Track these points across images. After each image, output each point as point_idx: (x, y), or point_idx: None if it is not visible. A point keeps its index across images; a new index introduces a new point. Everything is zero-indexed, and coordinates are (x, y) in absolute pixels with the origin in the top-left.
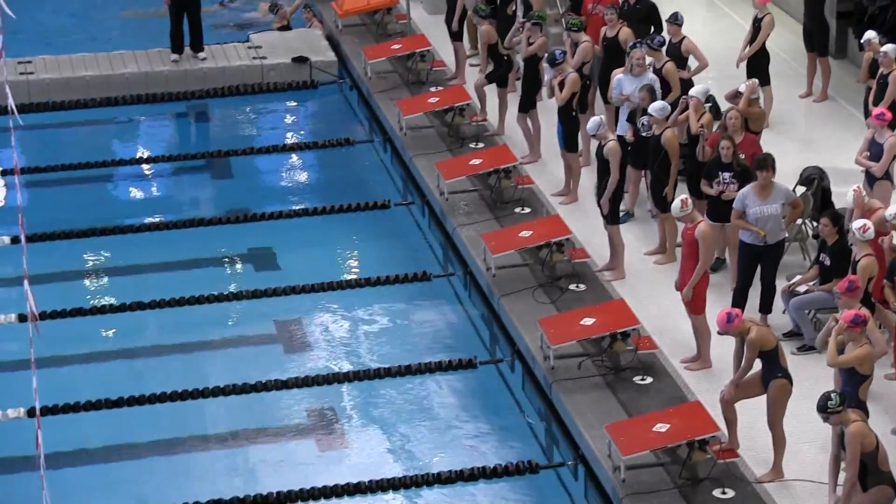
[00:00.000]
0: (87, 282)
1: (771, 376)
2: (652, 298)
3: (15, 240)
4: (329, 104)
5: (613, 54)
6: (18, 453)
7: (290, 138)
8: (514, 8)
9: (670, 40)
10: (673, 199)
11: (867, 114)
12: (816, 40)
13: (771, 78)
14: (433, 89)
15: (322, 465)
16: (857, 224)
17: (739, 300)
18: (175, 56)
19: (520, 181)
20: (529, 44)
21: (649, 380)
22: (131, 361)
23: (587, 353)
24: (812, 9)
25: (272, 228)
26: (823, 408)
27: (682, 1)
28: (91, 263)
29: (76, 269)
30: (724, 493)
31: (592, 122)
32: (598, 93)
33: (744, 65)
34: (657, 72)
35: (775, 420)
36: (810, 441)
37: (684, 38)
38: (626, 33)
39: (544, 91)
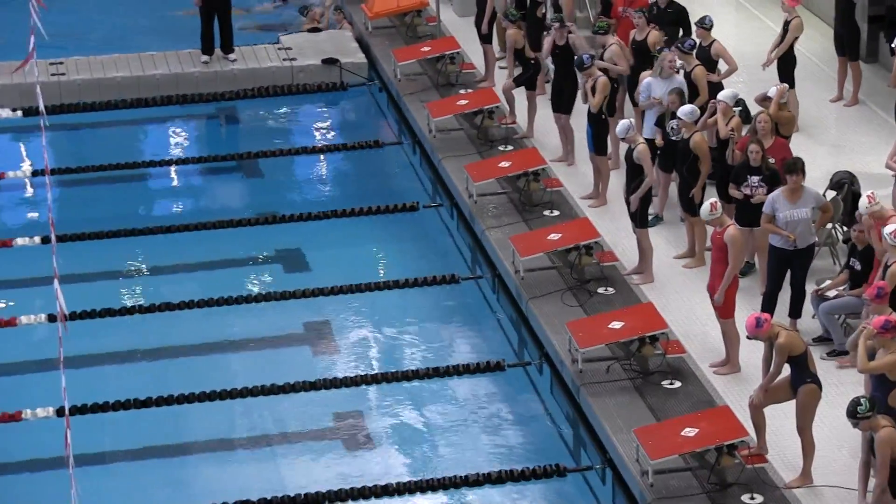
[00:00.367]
0: (116, 282)
1: (800, 381)
2: (681, 302)
3: (45, 240)
4: (358, 106)
5: (642, 58)
6: (47, 453)
7: (320, 140)
8: (543, 11)
9: (700, 44)
10: (701, 202)
11: None
12: (847, 44)
13: (801, 82)
14: (462, 91)
15: (349, 466)
16: (888, 229)
17: (769, 305)
18: (205, 57)
19: (549, 184)
20: (557, 45)
21: (678, 384)
22: (160, 362)
23: (615, 357)
24: (843, 12)
25: (301, 230)
26: (853, 413)
27: (711, 4)
28: (120, 264)
29: (105, 270)
30: (752, 498)
31: (622, 126)
32: (626, 96)
33: (773, 68)
34: (687, 75)
35: (804, 425)
36: (839, 447)
37: (714, 41)
38: (654, 37)
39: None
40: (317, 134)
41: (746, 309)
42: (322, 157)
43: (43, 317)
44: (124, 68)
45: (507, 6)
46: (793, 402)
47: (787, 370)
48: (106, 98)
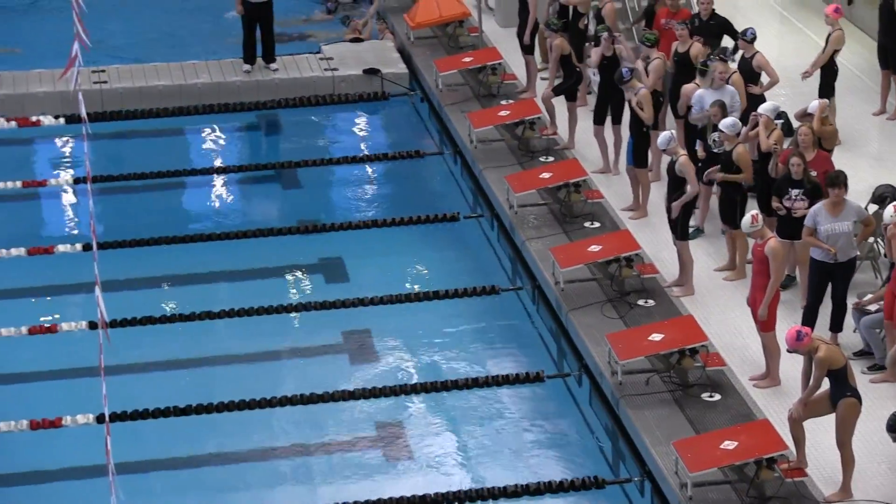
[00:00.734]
0: (156, 290)
1: (840, 395)
2: (721, 315)
3: (87, 247)
4: (400, 116)
5: (684, 70)
6: (87, 460)
7: (361, 150)
8: (585, 22)
9: (742, 55)
10: (742, 214)
11: None
12: (891, 57)
13: (843, 94)
14: (504, 102)
15: (388, 476)
16: None
17: (810, 318)
18: (247, 66)
19: (589, 195)
20: (607, 56)
21: (717, 397)
22: (200, 370)
23: (655, 369)
24: (887, 25)
25: (342, 239)
26: (893, 427)
27: (754, 17)
28: (161, 272)
29: (146, 277)
30: None
31: (663, 137)
32: (668, 108)
33: (814, 81)
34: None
35: (844, 440)
36: (879, 461)
37: (756, 53)
38: (696, 49)
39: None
40: (358, 144)
41: (787, 322)
42: (363, 166)
43: (84, 324)
44: (166, 77)
45: (549, 17)
46: (832, 416)
47: (826, 384)
48: (148, 106)
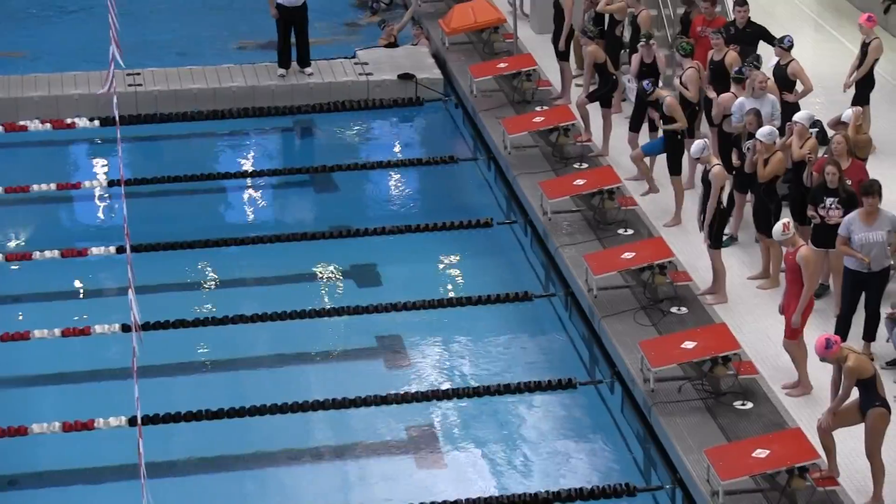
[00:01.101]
0: (189, 293)
1: (869, 405)
2: (754, 323)
3: (120, 250)
4: (434, 121)
5: (719, 78)
6: (119, 461)
7: (395, 155)
8: (621, 29)
9: (777, 62)
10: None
11: None
12: None
13: (879, 103)
14: (538, 108)
15: (420, 481)
16: None
17: (843, 327)
18: (282, 71)
19: (623, 202)
20: (645, 63)
21: (749, 405)
22: (232, 374)
23: (688, 377)
24: None
25: (375, 244)
26: None
27: (789, 24)
28: (194, 275)
29: (179, 281)
30: None
31: (696, 146)
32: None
33: (850, 89)
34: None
35: (874, 449)
36: None
37: (792, 60)
38: (731, 57)
39: None
40: (392, 149)
41: (821, 331)
42: (397, 171)
43: (117, 326)
44: (201, 80)
45: (584, 23)
46: (863, 425)
47: (856, 393)
48: (182, 109)
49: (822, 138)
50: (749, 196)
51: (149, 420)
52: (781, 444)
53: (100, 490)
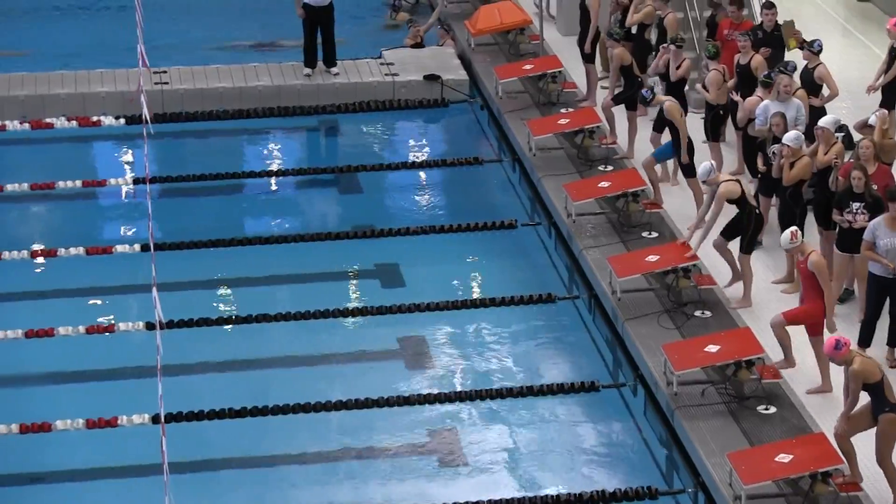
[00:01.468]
0: (213, 292)
1: (880, 410)
2: None
3: (145, 248)
4: (459, 122)
5: (747, 82)
6: (142, 459)
7: (420, 155)
8: (649, 33)
9: (805, 66)
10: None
11: None
12: None
13: None
14: (564, 111)
15: (440, 481)
16: None
17: (867, 332)
18: (308, 70)
19: (648, 205)
20: (676, 67)
21: (773, 409)
22: (255, 372)
23: (711, 381)
24: None
25: (398, 245)
26: None
27: (816, 28)
28: (218, 274)
29: (203, 279)
30: None
31: (703, 169)
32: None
33: (875, 93)
34: None
35: (885, 455)
36: None
37: (819, 64)
38: (758, 61)
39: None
40: (417, 149)
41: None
42: (421, 172)
43: (141, 324)
44: (227, 79)
45: (610, 25)
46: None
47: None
48: (208, 108)
49: (849, 143)
50: (774, 200)
51: (172, 418)
52: (804, 449)
53: (122, 487)
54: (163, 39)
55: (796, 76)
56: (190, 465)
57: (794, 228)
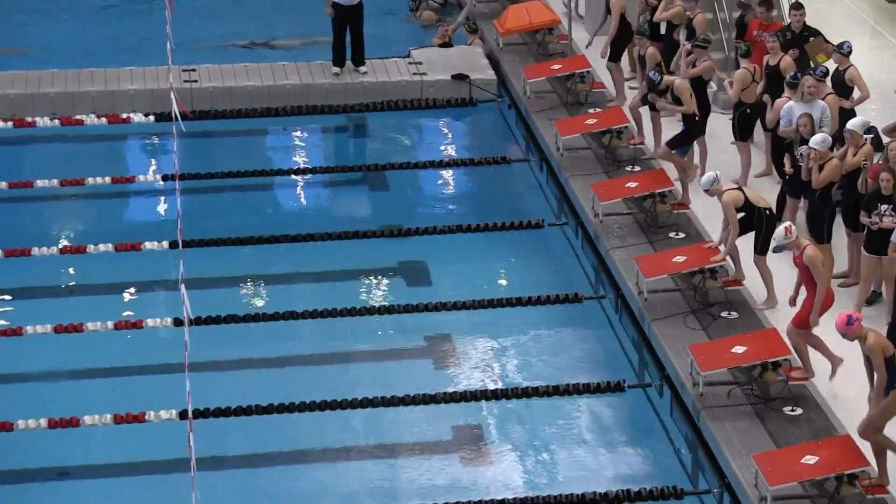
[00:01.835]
0: (241, 289)
1: (893, 384)
2: None
3: (173, 244)
4: (487, 122)
5: (776, 83)
6: (169, 454)
7: (447, 154)
8: (678, 33)
9: (836, 68)
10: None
11: None
12: None
13: None
14: (591, 111)
15: (466, 480)
16: None
17: (894, 335)
18: (336, 69)
19: (675, 206)
20: (694, 66)
21: (799, 411)
22: (282, 370)
23: (737, 382)
24: None
25: (426, 243)
26: None
27: (845, 30)
28: (246, 271)
29: (231, 276)
30: None
31: (706, 179)
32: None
33: None
34: None
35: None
36: None
37: (850, 66)
38: (786, 62)
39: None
40: (444, 149)
41: None
42: (449, 171)
43: (169, 320)
44: (256, 77)
45: (640, 24)
46: None
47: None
48: (237, 106)
49: (878, 145)
50: (802, 202)
51: (199, 414)
52: (831, 451)
53: (149, 482)
54: (190, 35)
55: (827, 80)
56: (216, 461)
57: (787, 223)
